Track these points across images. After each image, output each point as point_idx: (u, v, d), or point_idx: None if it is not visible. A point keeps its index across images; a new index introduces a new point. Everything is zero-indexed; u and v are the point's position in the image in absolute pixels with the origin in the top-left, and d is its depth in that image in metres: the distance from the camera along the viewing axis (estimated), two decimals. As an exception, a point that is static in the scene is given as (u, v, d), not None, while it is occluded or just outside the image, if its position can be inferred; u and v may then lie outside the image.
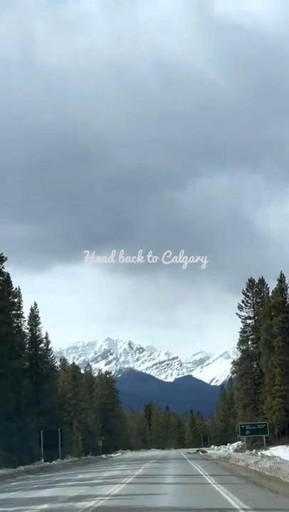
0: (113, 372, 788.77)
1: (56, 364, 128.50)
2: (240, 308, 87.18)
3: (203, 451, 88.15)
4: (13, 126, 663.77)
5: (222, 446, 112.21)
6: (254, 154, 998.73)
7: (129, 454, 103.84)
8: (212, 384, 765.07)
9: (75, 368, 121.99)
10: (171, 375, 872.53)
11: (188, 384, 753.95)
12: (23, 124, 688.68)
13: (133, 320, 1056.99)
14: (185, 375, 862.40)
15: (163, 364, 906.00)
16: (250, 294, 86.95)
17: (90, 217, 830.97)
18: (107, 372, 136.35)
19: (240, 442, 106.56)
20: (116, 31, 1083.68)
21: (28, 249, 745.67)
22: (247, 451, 62.58)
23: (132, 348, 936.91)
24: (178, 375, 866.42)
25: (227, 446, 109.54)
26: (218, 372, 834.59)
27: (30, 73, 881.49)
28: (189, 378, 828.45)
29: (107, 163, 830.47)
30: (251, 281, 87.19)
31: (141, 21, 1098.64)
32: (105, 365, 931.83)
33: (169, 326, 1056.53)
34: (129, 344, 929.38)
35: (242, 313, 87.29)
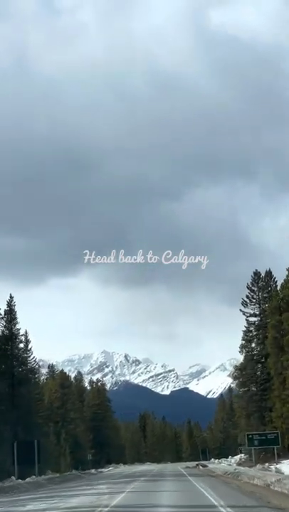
0: (109, 385, 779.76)
1: (43, 371, 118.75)
2: (244, 304, 77.09)
3: (203, 466, 77.81)
4: (6, 137, 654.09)
5: (223, 460, 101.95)
6: (250, 164, 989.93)
7: (120, 469, 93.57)
8: (209, 396, 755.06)
9: (64, 375, 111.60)
10: (168, 387, 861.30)
11: (184, 396, 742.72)
12: (17, 135, 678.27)
13: (129, 332, 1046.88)
14: (181, 387, 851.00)
15: (159, 376, 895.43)
16: (255, 289, 76.91)
17: (86, 229, 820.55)
18: (99, 380, 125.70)
19: (242, 455, 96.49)
20: (111, 41, 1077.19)
21: (22, 262, 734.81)
22: (258, 466, 52.19)
23: (128, 361, 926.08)
24: (174, 387, 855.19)
25: (229, 460, 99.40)
26: (214, 384, 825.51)
27: (24, 83, 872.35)
28: (186, 391, 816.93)
29: (103, 174, 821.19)
30: (256, 274, 77.19)
31: (136, 31, 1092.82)
32: (101, 377, 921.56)
33: (166, 338, 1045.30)
34: (126, 357, 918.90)
35: (246, 310, 77.21)
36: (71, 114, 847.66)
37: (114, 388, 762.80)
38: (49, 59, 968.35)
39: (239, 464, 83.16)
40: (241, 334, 78.48)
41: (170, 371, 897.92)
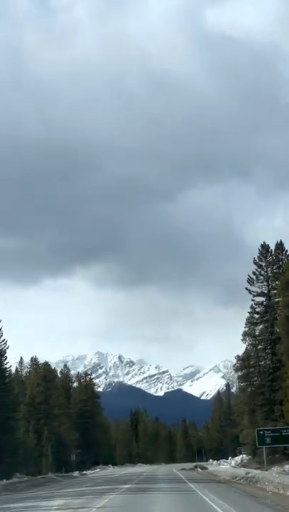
0: (103, 386, 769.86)
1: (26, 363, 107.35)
2: (250, 281, 66.00)
3: (202, 468, 66.59)
4: (1, 136, 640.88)
5: (222, 461, 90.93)
6: (245, 165, 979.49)
7: (107, 471, 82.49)
8: (202, 398, 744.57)
9: (48, 367, 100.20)
10: (161, 388, 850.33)
11: (178, 398, 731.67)
12: (12, 135, 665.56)
13: (123, 334, 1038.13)
14: (175, 389, 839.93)
15: (153, 378, 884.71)
16: (263, 264, 65.84)
17: (79, 229, 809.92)
18: (87, 374, 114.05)
19: (244, 455, 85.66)
20: (106, 40, 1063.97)
21: (16, 263, 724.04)
22: (276, 468, 40.94)
23: (122, 362, 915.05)
24: (168, 388, 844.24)
25: (228, 461, 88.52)
26: (208, 386, 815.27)
27: (17, 83, 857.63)
28: (179, 392, 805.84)
29: (98, 174, 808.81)
30: (265, 247, 66.15)
31: (131, 30, 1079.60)
32: (95, 378, 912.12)
33: (160, 339, 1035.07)
34: (119, 358, 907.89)
35: (253, 289, 66.07)
36: (66, 113, 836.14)
37: (108, 389, 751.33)
38: (44, 57, 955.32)
39: (242, 465, 72.43)
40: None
41: (164, 372, 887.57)
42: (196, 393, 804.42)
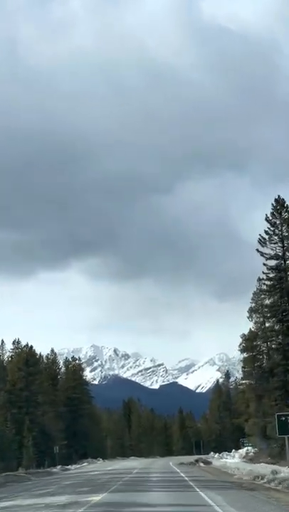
0: (98, 379, 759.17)
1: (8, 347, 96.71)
2: (261, 242, 54.93)
3: (205, 462, 55.55)
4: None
5: (225, 454, 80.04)
6: (241, 158, 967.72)
7: (94, 466, 71.62)
8: (198, 391, 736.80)
9: (31, 351, 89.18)
10: (157, 381, 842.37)
11: (173, 391, 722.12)
12: (6, 126, 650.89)
13: (118, 327, 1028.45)
14: (170, 381, 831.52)
15: (148, 371, 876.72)
16: (277, 222, 54.78)
17: (75, 222, 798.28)
18: (75, 359, 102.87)
19: (250, 448, 74.95)
20: (102, 32, 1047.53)
21: (12, 256, 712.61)
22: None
23: (117, 355, 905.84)
24: (163, 381, 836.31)
25: (232, 454, 77.81)
26: (203, 379, 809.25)
27: (14, 74, 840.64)
28: (174, 385, 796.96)
29: (94, 167, 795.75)
30: (279, 201, 55.13)
31: (128, 23, 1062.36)
32: (90, 371, 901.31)
33: (155, 332, 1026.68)
34: (115, 351, 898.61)
35: (265, 251, 55.00)
36: (62, 105, 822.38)
37: (104, 382, 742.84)
38: (40, 50, 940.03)
39: (249, 459, 61.86)
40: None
41: (159, 365, 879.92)
42: (191, 386, 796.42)
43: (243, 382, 79.73)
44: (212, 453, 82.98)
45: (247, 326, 69.38)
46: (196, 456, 73.50)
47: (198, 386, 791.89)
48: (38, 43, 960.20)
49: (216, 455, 79.29)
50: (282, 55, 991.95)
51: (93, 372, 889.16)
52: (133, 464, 63.58)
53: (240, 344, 71.88)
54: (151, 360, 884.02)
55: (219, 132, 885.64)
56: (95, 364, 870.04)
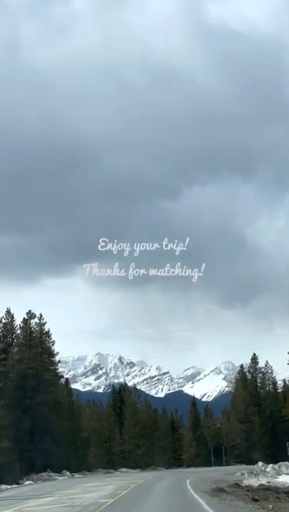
0: (103, 387, 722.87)
1: None
2: None
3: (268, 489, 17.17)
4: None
5: (270, 467, 42.55)
6: (249, 162, 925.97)
7: (38, 492, 33.52)
8: (203, 400, 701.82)
9: None
10: (162, 390, 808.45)
11: (179, 399, 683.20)
12: (7, 129, 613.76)
13: (124, 334, 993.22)
14: (176, 390, 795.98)
15: (154, 379, 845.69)
16: None
17: (79, 227, 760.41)
18: (32, 316, 63.95)
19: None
20: (106, 33, 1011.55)
21: (15, 262, 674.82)
22: None
23: (122, 363, 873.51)
24: (168, 390, 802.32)
25: (277, 467, 40.56)
26: (209, 387, 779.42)
27: (15, 76, 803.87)
28: (180, 394, 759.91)
29: (98, 169, 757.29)
30: None
31: (132, 22, 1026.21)
32: (95, 379, 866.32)
33: (160, 340, 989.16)
34: (120, 359, 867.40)
35: None
36: (64, 106, 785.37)
37: (108, 390, 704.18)
38: (42, 50, 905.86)
39: None
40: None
41: (164, 374, 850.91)
42: (197, 395, 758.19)
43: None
44: (260, 464, 44.49)
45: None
46: (227, 471, 35.58)
47: (204, 395, 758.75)
48: (39, 43, 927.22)
49: (269, 468, 41.30)
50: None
51: (98, 380, 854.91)
52: (110, 491, 26.23)
53: None
54: (156, 369, 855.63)
55: (225, 133, 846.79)
56: (100, 372, 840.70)
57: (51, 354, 64.26)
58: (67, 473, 56.40)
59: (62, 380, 76.02)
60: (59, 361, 69.25)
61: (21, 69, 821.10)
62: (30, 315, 62.79)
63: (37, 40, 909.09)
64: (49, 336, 65.65)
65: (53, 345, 66.21)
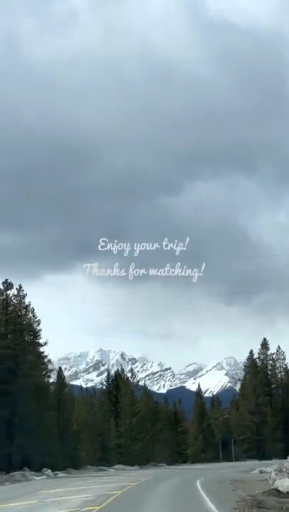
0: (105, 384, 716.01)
1: None
2: None
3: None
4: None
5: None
6: (250, 157, 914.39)
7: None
8: (206, 396, 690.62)
9: None
10: (164, 386, 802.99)
11: (181, 395, 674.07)
12: (7, 126, 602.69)
13: (126, 331, 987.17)
14: (178, 386, 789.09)
15: (156, 375, 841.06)
16: None
17: (80, 224, 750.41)
18: (8, 285, 53.63)
19: None
20: (106, 27, 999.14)
21: (16, 259, 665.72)
22: None
23: (124, 359, 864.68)
24: (170, 386, 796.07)
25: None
26: (211, 383, 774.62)
27: (15, 72, 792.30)
28: (182, 389, 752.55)
29: (98, 166, 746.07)
30: None
31: (131, 17, 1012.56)
32: (97, 376, 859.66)
33: (162, 336, 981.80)
34: (122, 355, 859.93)
35: None
36: (64, 101, 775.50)
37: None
38: (41, 45, 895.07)
39: None
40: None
41: (166, 370, 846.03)
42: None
43: None
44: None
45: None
46: (241, 467, 25.53)
47: (206, 390, 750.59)
48: (39, 39, 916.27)
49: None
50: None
51: (100, 377, 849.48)
52: (71, 505, 16.30)
53: None
54: (158, 365, 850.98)
55: (225, 128, 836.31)
56: (102, 368, 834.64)
57: (34, 333, 54.37)
58: (48, 471, 46.49)
59: (50, 365, 65.87)
60: (45, 343, 59.28)
61: (21, 64, 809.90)
62: (7, 285, 52.86)
63: (37, 35, 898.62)
64: (32, 312, 55.69)
65: (38, 324, 56.55)
